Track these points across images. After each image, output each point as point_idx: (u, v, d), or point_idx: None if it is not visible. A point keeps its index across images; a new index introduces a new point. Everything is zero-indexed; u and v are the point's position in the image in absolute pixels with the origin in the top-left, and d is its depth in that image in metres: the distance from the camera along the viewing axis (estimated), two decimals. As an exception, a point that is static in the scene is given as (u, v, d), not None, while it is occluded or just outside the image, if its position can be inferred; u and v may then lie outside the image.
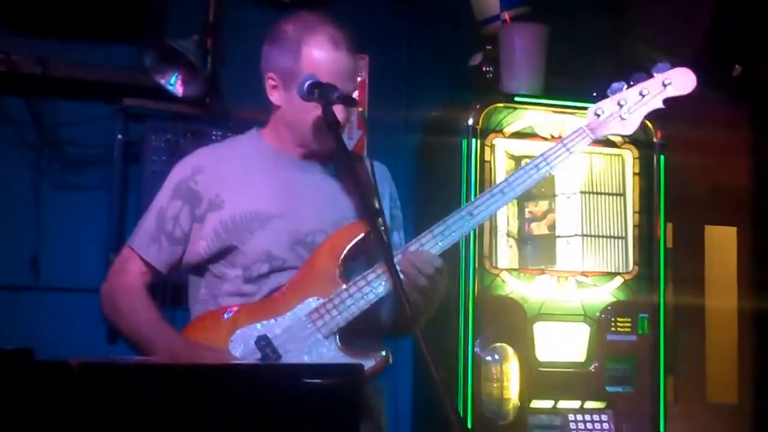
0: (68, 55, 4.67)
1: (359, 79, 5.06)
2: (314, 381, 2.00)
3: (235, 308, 2.91)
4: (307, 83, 2.84)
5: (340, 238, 2.93)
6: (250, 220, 2.93)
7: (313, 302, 2.86)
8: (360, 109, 2.66)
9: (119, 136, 4.73)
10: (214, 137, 4.65)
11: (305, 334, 2.83)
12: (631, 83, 3.02)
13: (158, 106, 4.75)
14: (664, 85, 3.00)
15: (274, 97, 3.01)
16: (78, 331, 4.47)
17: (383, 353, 2.85)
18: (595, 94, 3.07)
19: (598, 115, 2.99)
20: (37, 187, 4.67)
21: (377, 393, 3.05)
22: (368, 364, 2.81)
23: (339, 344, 2.84)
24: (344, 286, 2.87)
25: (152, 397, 1.85)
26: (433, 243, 2.87)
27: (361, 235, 2.91)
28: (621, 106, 2.99)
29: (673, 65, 3.03)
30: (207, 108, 4.79)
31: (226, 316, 2.90)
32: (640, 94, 2.99)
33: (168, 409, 1.86)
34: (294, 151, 3.04)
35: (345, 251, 2.91)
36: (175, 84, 4.67)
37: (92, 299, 4.49)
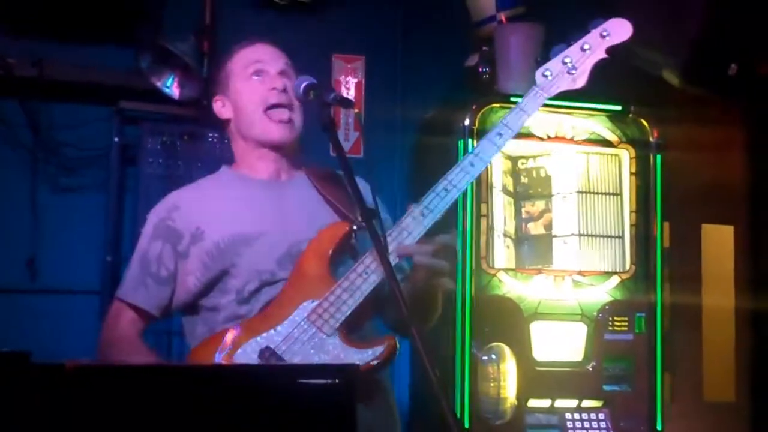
0: (64, 58, 4.68)
1: (354, 81, 5.07)
2: (309, 381, 2.00)
3: (231, 332, 2.90)
4: (303, 84, 2.85)
5: (323, 239, 2.95)
6: (235, 243, 2.96)
7: (308, 305, 2.86)
8: (356, 110, 2.65)
9: (116, 139, 4.75)
10: (210, 139, 4.66)
11: (308, 336, 2.83)
12: (571, 42, 3.11)
13: (155, 109, 4.76)
14: (603, 37, 3.10)
15: (224, 114, 3.17)
16: (74, 333, 4.46)
17: (388, 339, 2.84)
18: (539, 59, 3.18)
19: (546, 76, 3.07)
20: (34, 190, 4.68)
21: (386, 377, 3.07)
22: (377, 351, 2.81)
23: (343, 339, 2.83)
24: (337, 283, 2.87)
25: (148, 399, 1.85)
26: (415, 224, 2.86)
27: (345, 233, 2.93)
28: (566, 63, 3.07)
29: (606, 19, 3.15)
30: (203, 110, 4.78)
31: (222, 339, 2.89)
32: (582, 49, 3.09)
33: (163, 410, 1.86)
34: (265, 174, 3.11)
35: (331, 250, 2.92)
36: (171, 86, 4.68)
37: (89, 301, 4.52)
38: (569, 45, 3.10)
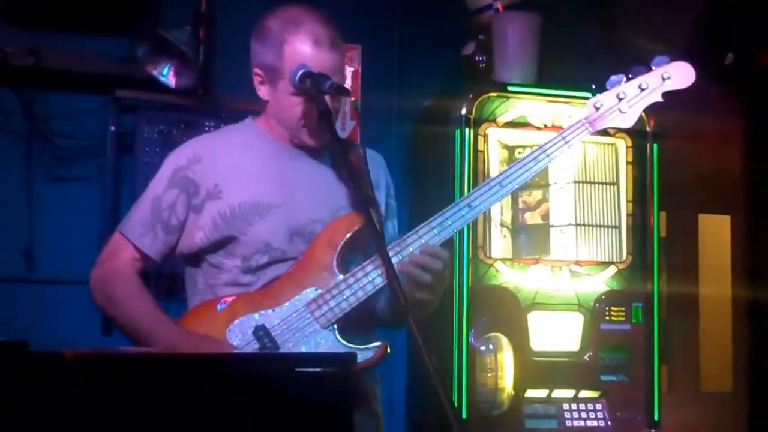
0: (60, 47, 4.67)
1: (350, 70, 5.06)
2: (307, 370, 2.00)
3: (230, 299, 2.90)
4: (300, 73, 2.83)
5: (338, 229, 2.92)
6: (249, 211, 2.92)
7: (311, 293, 2.86)
8: (353, 98, 2.64)
9: (112, 128, 4.73)
10: (207, 128, 4.65)
11: (303, 324, 2.83)
12: (630, 76, 3.00)
13: (151, 97, 4.75)
14: (663, 79, 2.97)
15: (262, 92, 3.00)
16: (72, 322, 4.46)
17: (381, 344, 2.85)
18: (594, 86, 3.06)
19: (597, 108, 2.97)
20: (30, 179, 4.67)
21: (374, 382, 3.06)
22: (366, 355, 2.82)
23: (337, 335, 2.84)
24: (342, 277, 2.87)
25: (145, 387, 1.85)
26: (431, 235, 2.86)
27: (359, 226, 2.90)
28: (620, 99, 2.97)
29: (672, 59, 3.01)
30: (200, 99, 4.78)
31: (219, 307, 2.89)
32: (639, 87, 2.97)
33: (160, 398, 1.86)
34: (289, 141, 3.02)
35: (343, 242, 2.90)
36: (167, 75, 4.67)
37: (86, 291, 4.48)
38: (628, 78, 2.99)
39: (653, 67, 3.00)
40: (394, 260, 2.77)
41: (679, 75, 2.99)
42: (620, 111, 2.97)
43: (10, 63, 4.56)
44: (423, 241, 2.85)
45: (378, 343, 2.85)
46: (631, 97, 2.97)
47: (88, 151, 4.76)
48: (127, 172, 4.74)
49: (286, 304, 2.86)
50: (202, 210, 2.95)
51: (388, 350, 2.85)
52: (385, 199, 3.14)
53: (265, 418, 1.92)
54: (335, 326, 2.84)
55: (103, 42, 4.73)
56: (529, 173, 2.95)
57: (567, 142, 2.98)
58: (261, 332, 2.82)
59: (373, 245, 2.82)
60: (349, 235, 2.91)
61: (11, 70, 4.58)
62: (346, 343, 2.83)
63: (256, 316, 2.85)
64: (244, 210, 2.92)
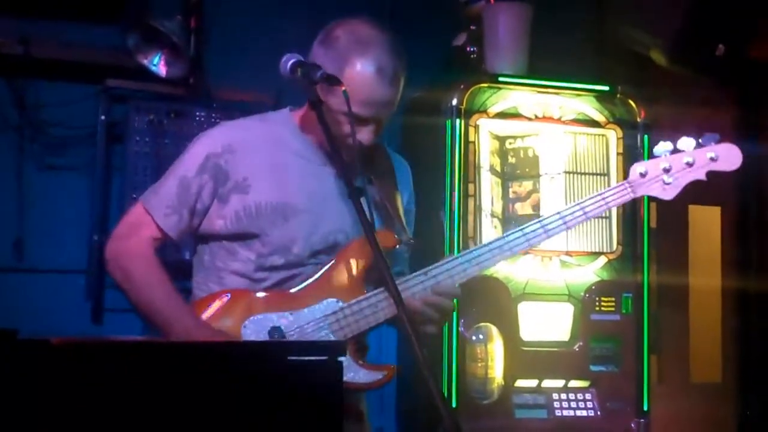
0: (51, 36, 4.66)
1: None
2: (298, 358, 2.00)
3: (244, 292, 2.91)
4: (291, 62, 2.83)
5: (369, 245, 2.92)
6: (273, 212, 2.92)
7: (332, 304, 2.88)
8: (343, 88, 2.64)
9: (102, 117, 4.73)
10: (197, 117, 4.64)
11: (319, 334, 2.84)
12: (678, 149, 3.03)
13: (141, 87, 4.74)
14: (710, 159, 3.02)
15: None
16: (62, 312, 4.46)
17: (392, 366, 2.89)
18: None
19: (642, 175, 3.01)
20: (20, 169, 4.67)
21: (364, 397, 3.08)
22: (376, 376, 2.86)
23: (350, 352, 2.84)
24: (366, 295, 2.89)
25: (136, 376, 1.85)
26: (445, 276, 2.93)
27: (391, 247, 2.93)
28: (666, 171, 3.01)
29: (721, 140, 3.05)
30: (190, 88, 4.77)
31: (226, 297, 2.91)
32: (687, 163, 3.01)
33: (149, 386, 1.86)
34: (323, 144, 2.97)
35: (373, 259, 2.89)
36: (158, 64, 4.66)
37: (76, 280, 4.50)
38: (675, 149, 3.02)
39: (701, 142, 3.03)
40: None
41: (726, 157, 3.04)
42: (664, 182, 3.01)
43: (1, 52, 4.55)
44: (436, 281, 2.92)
45: (389, 366, 2.90)
46: (676, 171, 3.02)
47: (78, 140, 4.76)
48: (118, 162, 4.74)
49: (305, 310, 2.87)
50: (228, 200, 2.94)
51: (395, 374, 2.89)
52: (406, 205, 3.16)
53: (257, 406, 1.92)
54: (349, 343, 2.85)
55: (93, 31, 4.73)
56: (564, 225, 3.05)
57: (606, 203, 3.03)
58: (276, 334, 2.82)
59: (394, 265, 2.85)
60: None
61: (2, 59, 4.57)
62: (357, 361, 2.84)
63: (274, 317, 2.86)
64: (269, 210, 2.92)
